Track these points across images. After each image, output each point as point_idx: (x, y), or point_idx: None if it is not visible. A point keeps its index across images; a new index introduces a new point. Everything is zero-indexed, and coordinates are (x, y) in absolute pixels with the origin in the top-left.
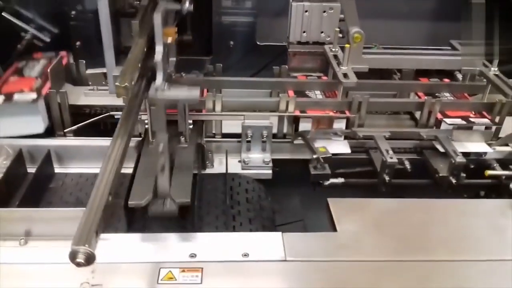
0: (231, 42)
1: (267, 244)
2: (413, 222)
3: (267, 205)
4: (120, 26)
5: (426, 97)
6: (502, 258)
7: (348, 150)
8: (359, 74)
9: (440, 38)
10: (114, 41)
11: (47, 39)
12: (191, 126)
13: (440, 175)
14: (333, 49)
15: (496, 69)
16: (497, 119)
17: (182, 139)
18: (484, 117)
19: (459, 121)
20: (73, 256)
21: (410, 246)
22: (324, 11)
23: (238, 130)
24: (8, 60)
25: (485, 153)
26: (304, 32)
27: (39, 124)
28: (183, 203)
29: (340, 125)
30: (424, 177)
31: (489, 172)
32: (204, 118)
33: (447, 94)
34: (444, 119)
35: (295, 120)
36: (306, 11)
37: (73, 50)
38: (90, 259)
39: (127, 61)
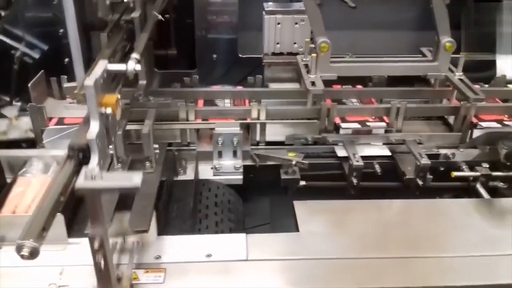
0: (214, 55)
1: (231, 245)
2: (373, 221)
3: (237, 209)
4: (91, 39)
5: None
6: (462, 255)
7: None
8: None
9: (416, 45)
10: (84, 54)
11: (36, 56)
12: (157, 151)
13: (407, 177)
14: (304, 59)
15: (461, 73)
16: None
17: (148, 164)
18: None
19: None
20: (18, 250)
21: (368, 244)
22: (296, 23)
23: None
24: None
25: (453, 155)
26: (277, 43)
27: None
28: (141, 231)
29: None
30: (396, 180)
31: (455, 174)
32: (177, 127)
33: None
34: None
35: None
36: (279, 23)
37: (62, 67)
38: (34, 253)
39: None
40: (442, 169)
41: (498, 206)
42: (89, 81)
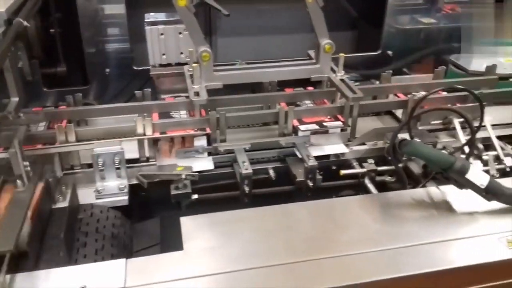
0: (107, 70)
1: (108, 273)
2: (259, 229)
3: (123, 232)
4: None
5: (283, 107)
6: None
7: (212, 166)
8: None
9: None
10: None
11: None
12: (28, 168)
13: (298, 179)
14: (189, 69)
15: (342, 73)
16: (349, 121)
17: (19, 182)
18: (338, 120)
19: (313, 126)
20: None
21: (253, 254)
22: (180, 33)
23: None
24: None
25: (343, 154)
26: (163, 54)
27: None
28: (3, 252)
29: (202, 142)
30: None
31: (343, 172)
32: (53, 150)
33: (308, 102)
34: (299, 126)
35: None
36: (162, 34)
37: None
38: None
39: None
40: (334, 168)
41: (382, 201)
42: None
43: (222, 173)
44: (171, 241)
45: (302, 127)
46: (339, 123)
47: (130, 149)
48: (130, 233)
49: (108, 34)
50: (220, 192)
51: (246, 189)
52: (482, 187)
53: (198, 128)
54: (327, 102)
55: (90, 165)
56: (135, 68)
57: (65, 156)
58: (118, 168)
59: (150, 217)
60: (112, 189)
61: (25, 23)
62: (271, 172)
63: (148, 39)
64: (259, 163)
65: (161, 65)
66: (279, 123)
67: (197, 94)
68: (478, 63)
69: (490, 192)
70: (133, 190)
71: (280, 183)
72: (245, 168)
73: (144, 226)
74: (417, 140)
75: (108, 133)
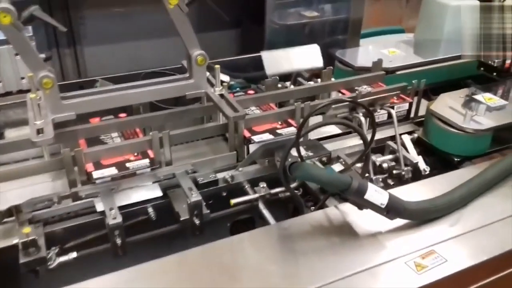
0: None
1: None
2: None
3: None
4: None
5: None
6: None
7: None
8: None
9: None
10: None
11: None
12: None
13: (182, 218)
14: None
15: (220, 88)
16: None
17: None
18: (291, 125)
19: (267, 136)
20: None
21: None
22: (17, 54)
23: None
24: None
25: (232, 178)
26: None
27: None
28: None
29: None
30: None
31: (233, 202)
32: None
33: None
34: (252, 137)
35: None
36: None
37: None
38: None
39: None
40: (224, 194)
41: (277, 232)
42: None
43: (82, 224)
44: None
45: (255, 138)
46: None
47: None
48: None
49: None
50: (89, 248)
51: (118, 241)
52: (383, 206)
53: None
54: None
55: None
56: None
57: None
58: None
59: None
60: None
61: None
62: (151, 211)
63: None
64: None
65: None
66: (154, 150)
67: (40, 131)
68: (363, 57)
69: (391, 210)
70: None
71: (164, 222)
72: (113, 217)
73: None
74: (308, 162)
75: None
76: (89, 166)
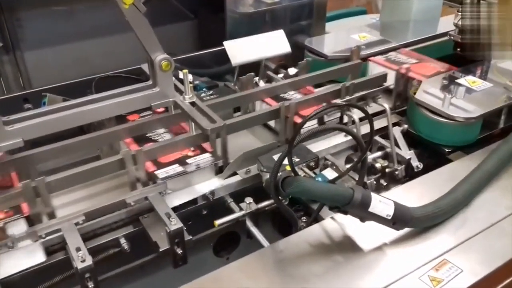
0: None
1: None
2: None
3: None
4: None
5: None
6: None
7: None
8: None
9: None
10: None
11: None
12: None
13: (161, 249)
14: None
15: (190, 95)
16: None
17: None
18: (204, 151)
19: (175, 167)
20: None
21: None
22: None
23: None
24: None
25: (213, 194)
26: None
27: None
28: None
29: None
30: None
31: (217, 223)
32: None
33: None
34: (156, 172)
35: None
36: None
37: None
38: None
39: None
40: (205, 212)
41: (272, 257)
42: None
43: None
44: None
45: (159, 174)
46: (207, 156)
47: None
48: None
49: None
50: None
51: (90, 285)
52: (389, 217)
53: None
54: (187, 128)
55: None
56: None
57: None
58: None
59: None
60: None
61: None
62: (123, 242)
63: None
64: (105, 233)
65: None
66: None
67: None
68: (334, 45)
69: (398, 221)
70: None
71: (139, 251)
72: (81, 260)
73: None
74: (302, 176)
75: None
76: None
